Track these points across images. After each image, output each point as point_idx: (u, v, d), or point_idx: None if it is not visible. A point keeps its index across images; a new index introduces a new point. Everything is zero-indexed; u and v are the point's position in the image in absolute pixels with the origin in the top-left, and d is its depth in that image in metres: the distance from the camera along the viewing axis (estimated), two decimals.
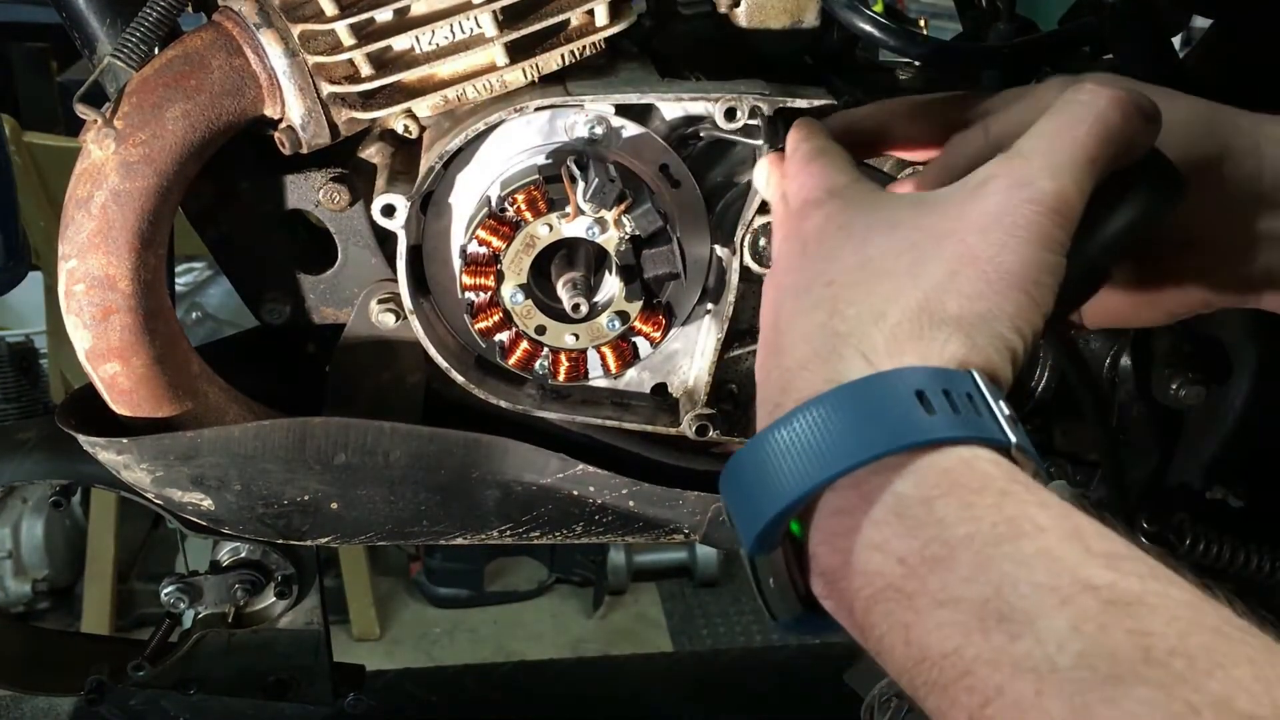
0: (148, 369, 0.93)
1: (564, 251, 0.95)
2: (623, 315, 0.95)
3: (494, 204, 0.91)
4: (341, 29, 0.87)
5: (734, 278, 0.95)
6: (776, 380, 0.63)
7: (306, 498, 1.01)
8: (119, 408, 0.95)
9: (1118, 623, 0.47)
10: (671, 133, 0.94)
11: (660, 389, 1.04)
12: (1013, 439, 0.56)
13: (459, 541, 1.06)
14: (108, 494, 2.31)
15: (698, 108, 0.92)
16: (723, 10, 0.96)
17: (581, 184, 0.88)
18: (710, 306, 1.00)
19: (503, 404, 1.01)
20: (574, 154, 0.90)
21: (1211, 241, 0.77)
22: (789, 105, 0.89)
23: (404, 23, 0.89)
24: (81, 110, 0.88)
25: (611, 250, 0.92)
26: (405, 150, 0.97)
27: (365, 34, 0.88)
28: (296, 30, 0.89)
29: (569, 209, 0.90)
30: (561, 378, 0.98)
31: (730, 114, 0.90)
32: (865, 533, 0.55)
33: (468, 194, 0.96)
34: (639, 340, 0.97)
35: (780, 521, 0.58)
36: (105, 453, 0.97)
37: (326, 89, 0.90)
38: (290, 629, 1.24)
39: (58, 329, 2.56)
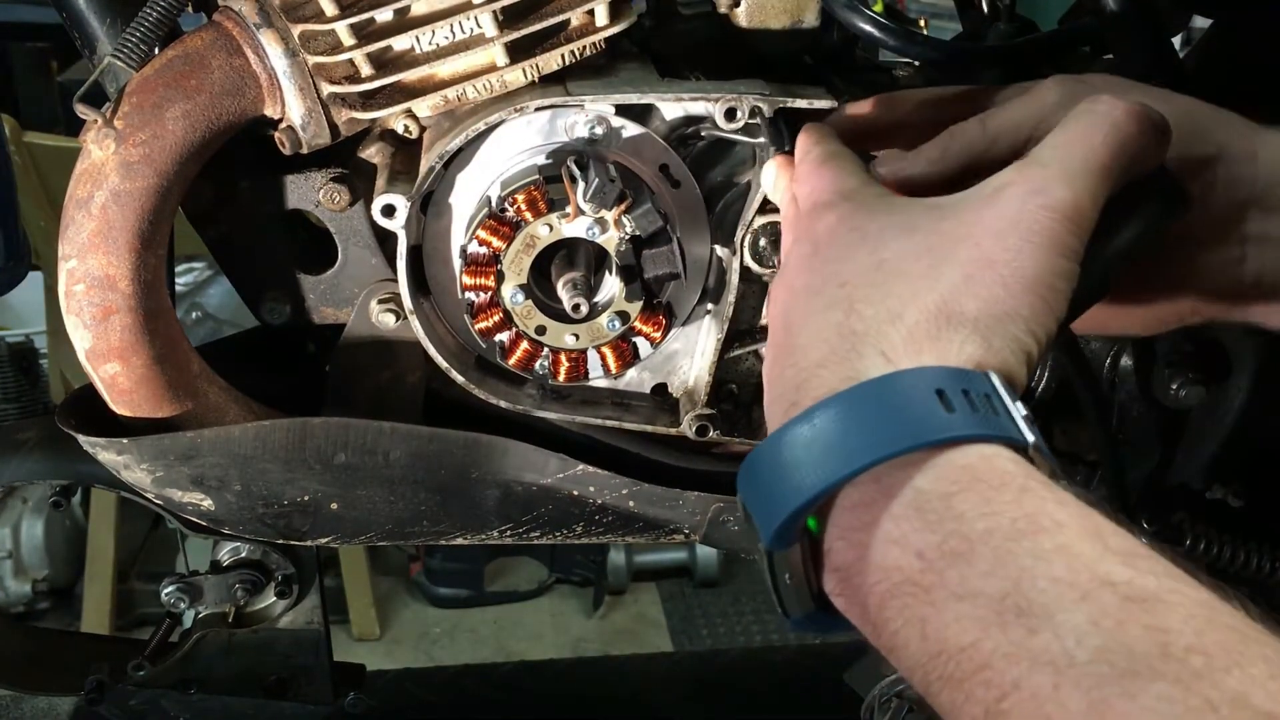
0: (148, 369, 0.93)
1: (564, 251, 0.95)
2: (623, 315, 0.95)
3: (494, 204, 0.91)
4: (341, 29, 0.87)
5: (734, 278, 0.95)
6: (791, 379, 0.63)
7: (306, 498, 1.01)
8: (119, 408, 0.95)
9: (1135, 619, 0.47)
10: (671, 133, 0.94)
11: (660, 389, 1.04)
12: (1030, 439, 0.57)
13: (459, 541, 1.06)
14: (108, 494, 2.31)
15: (698, 108, 0.92)
16: (723, 10, 0.96)
17: (581, 184, 0.88)
18: (710, 306, 1.00)
19: (503, 404, 1.01)
20: (574, 154, 0.90)
21: (1203, 243, 0.77)
22: (789, 105, 0.89)
23: (404, 23, 0.89)
24: (81, 110, 0.88)
25: (611, 250, 0.92)
26: (405, 150, 0.97)
27: (365, 34, 0.88)
28: (296, 30, 0.89)
29: (569, 209, 0.90)
30: (561, 378, 0.98)
31: (730, 114, 0.90)
32: (884, 527, 0.56)
33: (468, 194, 0.96)
34: (639, 340, 0.97)
35: (800, 516, 0.58)
36: (105, 453, 0.97)
37: (326, 89, 0.90)
38: (290, 629, 1.24)
39: (58, 329, 2.57)
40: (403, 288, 0.95)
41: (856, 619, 0.59)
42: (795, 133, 0.82)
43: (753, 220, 0.93)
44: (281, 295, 1.03)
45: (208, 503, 1.01)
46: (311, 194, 0.99)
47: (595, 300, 0.95)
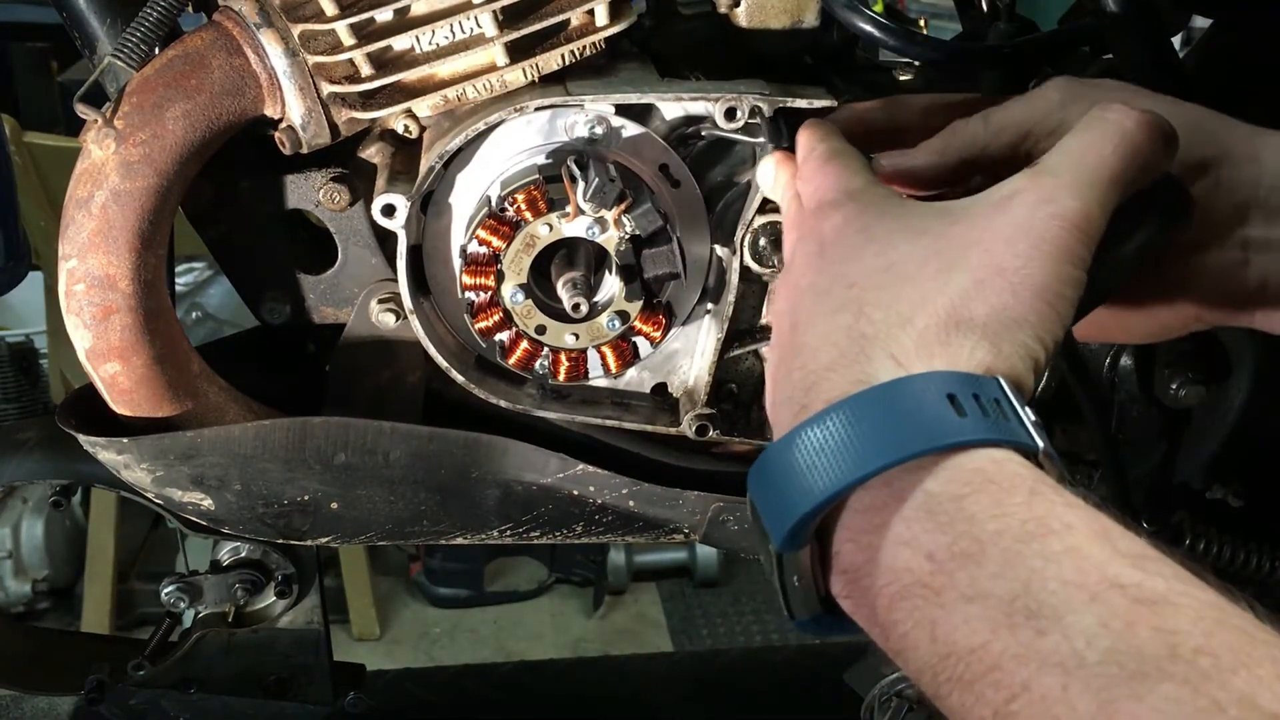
0: (148, 369, 0.93)
1: (564, 251, 0.95)
2: (623, 315, 0.95)
3: (494, 204, 0.91)
4: (341, 29, 0.87)
5: (734, 277, 0.95)
6: (800, 381, 0.63)
7: (306, 497, 1.01)
8: (119, 408, 0.95)
9: (1144, 620, 0.47)
10: (671, 132, 0.94)
11: (660, 389, 1.04)
12: (1040, 444, 0.57)
13: (459, 541, 1.06)
14: (108, 494, 2.31)
15: (698, 107, 0.92)
16: (723, 10, 0.96)
17: (581, 184, 0.88)
18: (710, 306, 1.00)
19: (503, 404, 1.01)
20: (574, 154, 0.90)
21: (1206, 247, 0.77)
22: (789, 105, 0.89)
23: (404, 23, 0.89)
24: (81, 110, 0.88)
25: (611, 250, 0.92)
26: (405, 150, 0.97)
27: (365, 34, 0.88)
28: (297, 30, 0.89)
29: (569, 209, 0.90)
30: (561, 377, 0.98)
31: (730, 114, 0.90)
32: (894, 530, 0.56)
33: (468, 194, 0.96)
34: (639, 340, 0.97)
35: (812, 519, 0.59)
36: (105, 453, 0.97)
37: (326, 89, 0.90)
38: (290, 628, 1.24)
39: (58, 329, 2.57)
40: (403, 287, 0.95)
41: (864, 621, 0.59)
42: (795, 133, 0.82)
43: (753, 220, 0.93)
44: (281, 295, 1.03)
45: (208, 502, 1.01)
46: (311, 194, 0.99)
47: (595, 300, 0.95)
